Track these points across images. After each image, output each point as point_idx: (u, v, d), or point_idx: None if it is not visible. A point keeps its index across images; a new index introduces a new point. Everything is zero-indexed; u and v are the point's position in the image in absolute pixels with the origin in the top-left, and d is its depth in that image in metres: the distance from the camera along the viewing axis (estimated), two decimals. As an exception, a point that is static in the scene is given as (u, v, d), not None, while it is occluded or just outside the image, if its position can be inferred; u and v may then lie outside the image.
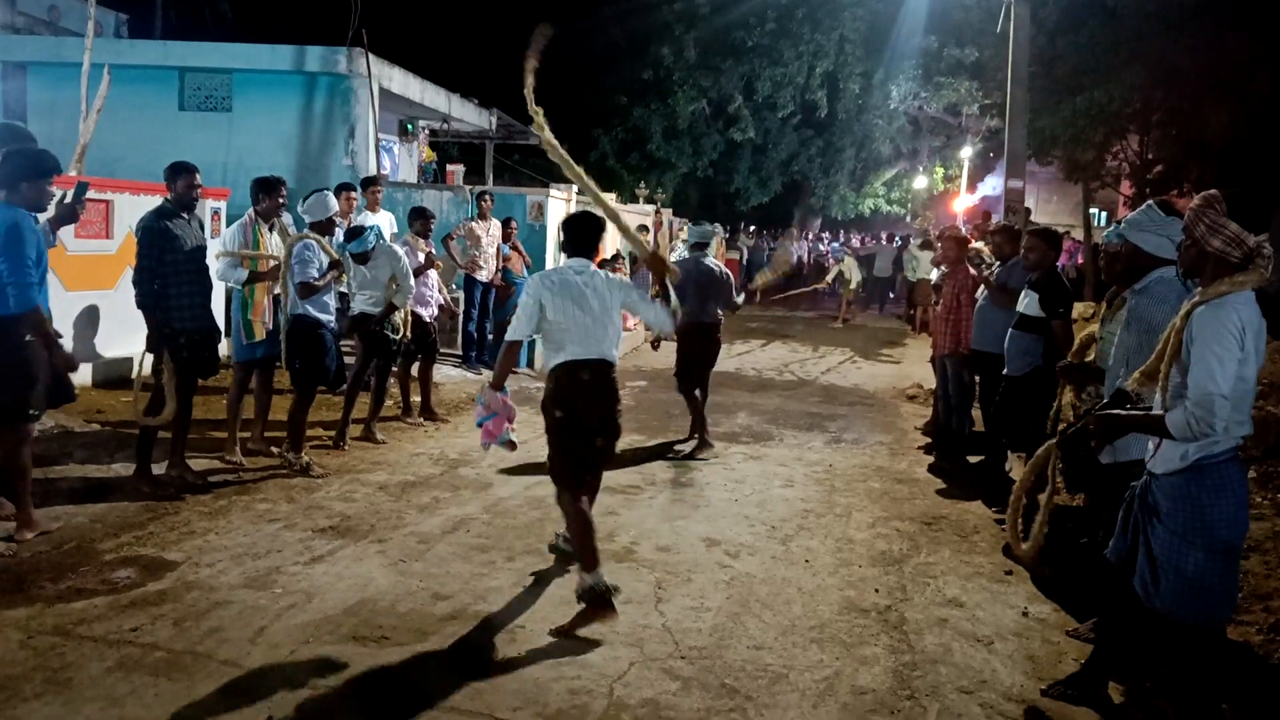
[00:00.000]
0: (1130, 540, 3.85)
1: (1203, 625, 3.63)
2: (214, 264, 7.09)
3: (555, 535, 5.89)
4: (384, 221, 10.23)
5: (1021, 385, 6.84)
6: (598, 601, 4.77)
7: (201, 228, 6.90)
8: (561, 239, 5.55)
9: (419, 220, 9.61)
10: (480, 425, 5.34)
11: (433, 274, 9.46)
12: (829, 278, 23.09)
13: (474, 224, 11.82)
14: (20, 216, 5.30)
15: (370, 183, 10.55)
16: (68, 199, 5.98)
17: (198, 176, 6.66)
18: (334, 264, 7.32)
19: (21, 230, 5.25)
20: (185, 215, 6.66)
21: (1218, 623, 3.70)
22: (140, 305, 6.51)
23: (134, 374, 6.75)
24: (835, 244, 30.20)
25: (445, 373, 11.32)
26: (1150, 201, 4.58)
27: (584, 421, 5.14)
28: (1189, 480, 3.57)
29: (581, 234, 5.48)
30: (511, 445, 5.33)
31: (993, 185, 33.12)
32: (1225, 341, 3.40)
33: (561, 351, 5.14)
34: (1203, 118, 17.46)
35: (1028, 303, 6.90)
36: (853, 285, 22.16)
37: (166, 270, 6.44)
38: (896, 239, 29.69)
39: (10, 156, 5.43)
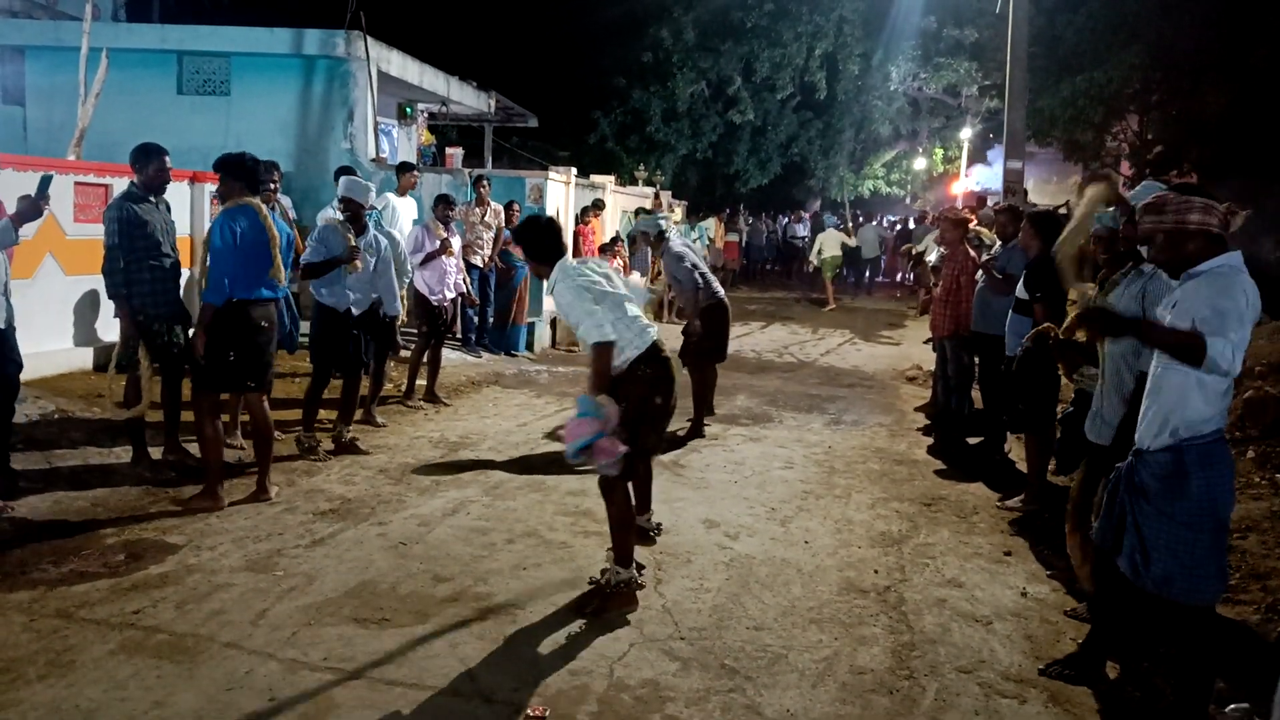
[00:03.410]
0: (1116, 522, 3.87)
1: (1194, 603, 3.65)
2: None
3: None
4: (408, 207, 10.53)
5: (1018, 366, 6.83)
6: (628, 596, 4.87)
7: (168, 210, 6.76)
8: (526, 251, 5.15)
9: (441, 205, 9.68)
10: (588, 446, 4.57)
11: (453, 259, 9.56)
12: (812, 257, 22.87)
13: (468, 208, 11.81)
14: None
15: (407, 168, 10.81)
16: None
17: (168, 159, 6.52)
18: (352, 251, 7.25)
19: None
20: (153, 199, 6.54)
21: (1208, 600, 3.71)
22: (112, 295, 6.44)
23: (110, 367, 6.71)
24: (802, 224, 30.48)
25: (445, 355, 11.30)
26: (1148, 180, 4.59)
27: (668, 407, 5.07)
28: (1177, 459, 3.60)
29: (549, 238, 5.13)
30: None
31: (995, 170, 33.09)
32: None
33: (626, 349, 4.89)
34: (1202, 98, 17.45)
35: (1022, 286, 6.88)
36: (826, 258, 21.86)
37: (137, 256, 6.35)
38: (878, 219, 29.80)
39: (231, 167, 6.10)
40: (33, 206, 5.69)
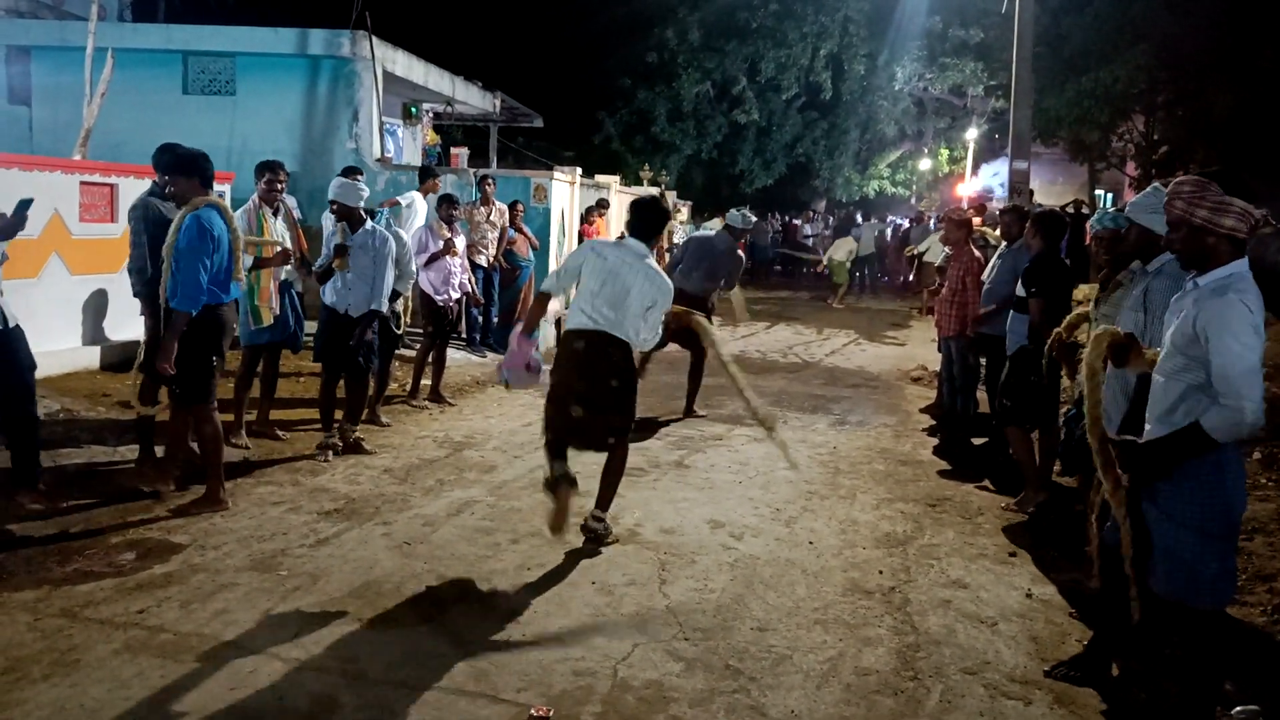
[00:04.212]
0: None
1: (1203, 607, 3.63)
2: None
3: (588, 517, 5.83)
4: (422, 208, 10.90)
5: (1012, 363, 6.83)
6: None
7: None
8: (629, 218, 5.83)
9: (445, 205, 9.73)
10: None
11: (458, 259, 9.62)
12: (825, 257, 23.09)
13: (472, 208, 11.84)
14: None
15: (430, 173, 11.39)
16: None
17: None
18: (339, 249, 7.24)
19: None
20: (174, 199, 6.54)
21: (1217, 604, 3.69)
22: (138, 294, 6.41)
23: (136, 363, 6.69)
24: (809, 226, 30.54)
25: (449, 355, 11.30)
26: (1156, 184, 4.56)
27: (565, 389, 5.50)
28: (1185, 462, 3.56)
29: (647, 219, 5.77)
30: (506, 385, 5.86)
31: (996, 172, 33.05)
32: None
33: (571, 318, 5.59)
34: (1208, 98, 17.44)
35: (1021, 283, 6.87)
36: (833, 259, 22.24)
37: (160, 254, 6.18)
38: (874, 220, 29.86)
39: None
40: (10, 226, 5.61)
